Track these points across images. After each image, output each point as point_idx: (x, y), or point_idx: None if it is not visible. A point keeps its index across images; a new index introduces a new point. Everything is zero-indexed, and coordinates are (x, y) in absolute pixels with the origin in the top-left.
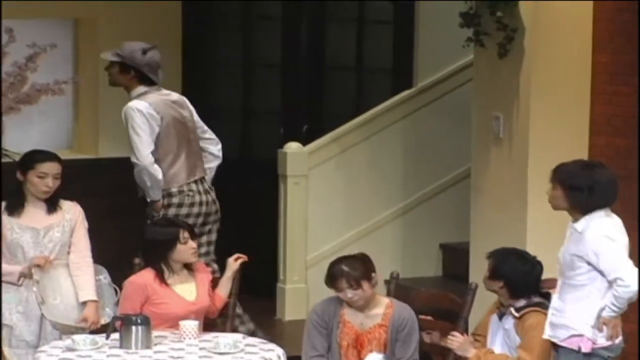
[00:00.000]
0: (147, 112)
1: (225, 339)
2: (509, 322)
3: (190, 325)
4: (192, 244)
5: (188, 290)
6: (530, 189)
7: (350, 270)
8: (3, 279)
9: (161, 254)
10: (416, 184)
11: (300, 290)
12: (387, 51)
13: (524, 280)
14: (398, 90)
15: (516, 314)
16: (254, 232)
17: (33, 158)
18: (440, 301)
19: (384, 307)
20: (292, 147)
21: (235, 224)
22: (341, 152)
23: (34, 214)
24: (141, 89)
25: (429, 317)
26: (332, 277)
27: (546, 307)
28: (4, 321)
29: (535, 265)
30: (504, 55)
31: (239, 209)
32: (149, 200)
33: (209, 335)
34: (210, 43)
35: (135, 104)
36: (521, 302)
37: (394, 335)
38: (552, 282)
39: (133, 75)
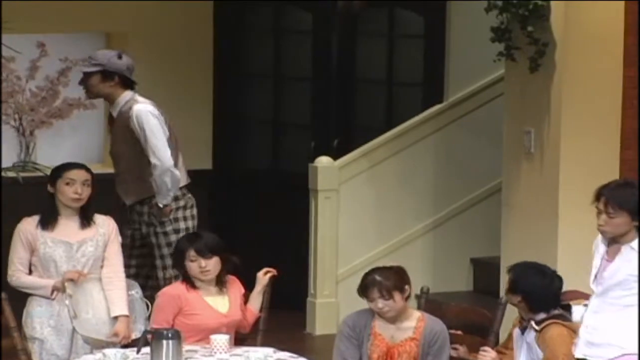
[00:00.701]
0: (157, 114)
1: (255, 354)
2: (530, 336)
3: (221, 340)
4: (202, 262)
5: (220, 303)
6: (561, 204)
7: (382, 280)
8: (36, 292)
9: (182, 265)
10: (447, 199)
11: (331, 304)
12: (418, 65)
13: (543, 295)
14: (429, 104)
15: (536, 327)
16: (284, 246)
17: (61, 167)
18: (470, 316)
19: (415, 320)
20: (323, 161)
21: (266, 237)
22: (372, 166)
23: (68, 228)
24: (129, 93)
25: (458, 332)
26: (365, 286)
27: (566, 319)
28: (36, 335)
29: (554, 279)
30: (535, 70)
31: (269, 223)
32: (160, 205)
33: (240, 350)
34: (241, 56)
35: (145, 107)
36: (541, 315)
37: (425, 350)
38: (574, 294)
39: (117, 81)
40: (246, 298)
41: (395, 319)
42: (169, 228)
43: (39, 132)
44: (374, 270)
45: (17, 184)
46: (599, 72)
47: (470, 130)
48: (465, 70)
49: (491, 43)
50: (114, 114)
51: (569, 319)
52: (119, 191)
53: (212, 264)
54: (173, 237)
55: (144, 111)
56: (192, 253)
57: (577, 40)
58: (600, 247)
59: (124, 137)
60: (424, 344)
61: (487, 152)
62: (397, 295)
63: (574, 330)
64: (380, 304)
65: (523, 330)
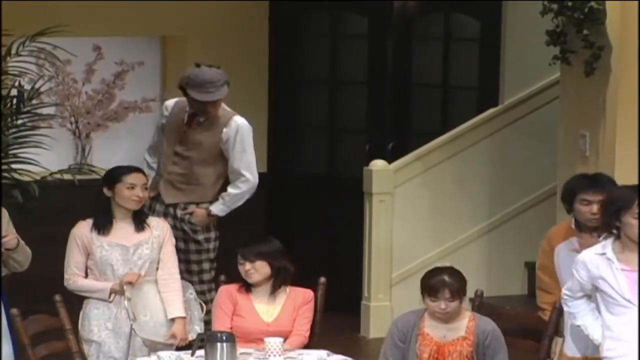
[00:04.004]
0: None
1: (309, 356)
2: None
3: (275, 343)
4: (246, 266)
5: (268, 311)
6: None
7: (453, 282)
8: (94, 295)
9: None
10: (502, 202)
11: (385, 308)
12: (473, 69)
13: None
14: (484, 107)
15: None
16: (339, 249)
17: (118, 171)
18: (525, 320)
19: (466, 320)
20: (378, 164)
21: (321, 241)
22: (426, 169)
23: (123, 231)
24: (224, 106)
25: None
26: (433, 287)
27: None
28: (93, 337)
29: None
30: (591, 74)
31: (324, 227)
32: (215, 214)
33: (294, 352)
34: (296, 60)
35: (245, 121)
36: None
37: (480, 349)
38: None
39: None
40: (314, 321)
41: (449, 319)
42: (201, 237)
43: (94, 134)
44: (440, 271)
45: (73, 186)
46: None
47: (525, 133)
48: (521, 73)
49: (546, 46)
50: (201, 119)
51: None
52: (161, 190)
53: (256, 268)
54: (205, 245)
55: (247, 127)
56: (239, 256)
57: (632, 43)
58: (603, 265)
59: (203, 143)
60: (478, 344)
61: (542, 155)
62: (462, 297)
63: None
64: (444, 304)
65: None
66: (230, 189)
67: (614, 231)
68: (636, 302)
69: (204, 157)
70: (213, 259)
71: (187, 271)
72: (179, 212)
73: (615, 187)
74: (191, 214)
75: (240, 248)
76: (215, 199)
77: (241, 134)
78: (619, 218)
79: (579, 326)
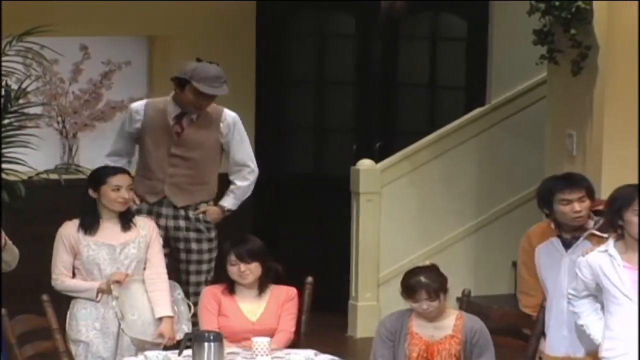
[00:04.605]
0: None
1: (297, 356)
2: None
3: (262, 342)
4: (241, 267)
5: (253, 310)
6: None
7: (430, 282)
8: (81, 295)
9: (224, 268)
10: (489, 202)
11: (373, 307)
12: (461, 68)
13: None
14: (471, 107)
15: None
16: (326, 249)
17: (103, 173)
18: (513, 319)
19: (453, 318)
20: (365, 164)
21: (308, 241)
22: (414, 169)
23: (110, 231)
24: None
25: None
26: (410, 288)
27: None
28: (81, 337)
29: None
30: (578, 73)
31: (311, 226)
32: (229, 208)
33: (282, 352)
34: (283, 60)
35: (233, 113)
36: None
37: (468, 347)
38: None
39: None
40: (299, 320)
41: (435, 318)
42: (213, 234)
43: (81, 134)
44: (417, 272)
45: (59, 186)
46: None
47: (513, 133)
48: (508, 73)
49: (534, 46)
50: (193, 117)
51: None
52: (168, 194)
53: (252, 269)
54: (215, 243)
55: (238, 118)
56: (232, 257)
57: (619, 43)
58: (605, 261)
59: (204, 142)
60: (466, 342)
61: (529, 155)
62: (442, 296)
63: None
64: (426, 305)
65: (567, 244)
66: (238, 182)
67: (619, 231)
68: (636, 300)
69: (207, 155)
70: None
71: (198, 272)
72: (190, 214)
73: (588, 183)
74: (204, 212)
75: (235, 249)
76: (216, 195)
77: (238, 125)
78: (621, 217)
79: (582, 326)
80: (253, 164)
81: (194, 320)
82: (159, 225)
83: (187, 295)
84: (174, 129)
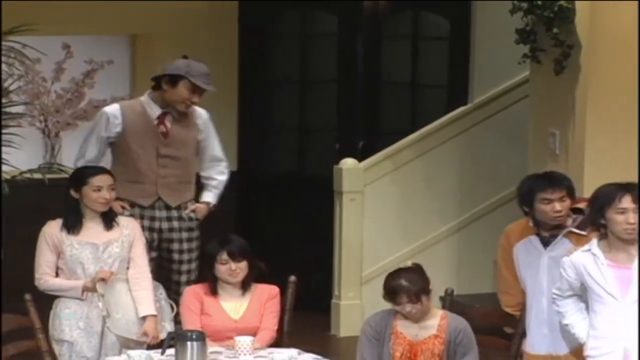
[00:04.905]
0: None
1: (280, 355)
2: (561, 248)
3: (245, 342)
4: (232, 266)
5: (235, 308)
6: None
7: (410, 285)
8: (66, 294)
9: (210, 267)
10: (471, 201)
11: (355, 306)
12: (443, 67)
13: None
14: (453, 106)
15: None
16: (309, 248)
17: (85, 173)
18: (495, 318)
19: (438, 318)
20: (348, 163)
21: (291, 240)
22: (396, 168)
23: (93, 230)
24: None
25: None
26: (392, 292)
27: None
28: (65, 337)
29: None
30: (560, 72)
31: (295, 225)
32: (213, 203)
33: (264, 351)
34: (266, 59)
35: (204, 109)
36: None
37: (451, 347)
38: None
39: None
40: (282, 319)
41: (419, 319)
42: (199, 233)
43: (64, 133)
44: (398, 275)
45: (42, 185)
46: (623, 74)
47: (495, 132)
48: (490, 72)
49: (516, 45)
50: (175, 115)
51: None
52: (162, 195)
53: (242, 267)
54: (200, 240)
55: (207, 114)
56: (223, 256)
57: (602, 42)
58: (589, 261)
59: (187, 140)
60: (449, 342)
61: (512, 154)
62: (424, 298)
63: None
64: (409, 307)
65: (546, 242)
66: (218, 177)
67: (601, 230)
68: (620, 299)
69: (191, 153)
70: None
71: (188, 271)
72: (183, 213)
73: (569, 183)
74: (194, 210)
75: (227, 247)
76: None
77: (211, 121)
78: (603, 215)
79: (566, 325)
80: (225, 158)
81: (177, 320)
82: (152, 229)
83: (177, 294)
84: (159, 129)
